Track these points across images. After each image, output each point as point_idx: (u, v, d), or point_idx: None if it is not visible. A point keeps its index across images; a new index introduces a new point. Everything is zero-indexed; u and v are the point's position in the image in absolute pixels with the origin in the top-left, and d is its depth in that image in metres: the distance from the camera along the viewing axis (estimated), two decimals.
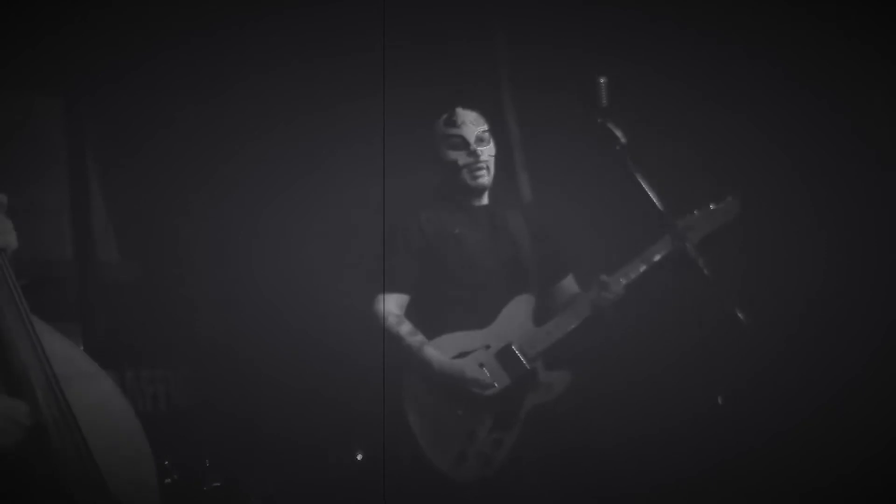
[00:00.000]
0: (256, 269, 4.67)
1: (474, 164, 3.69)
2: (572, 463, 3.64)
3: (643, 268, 3.57)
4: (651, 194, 3.11)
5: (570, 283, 3.80)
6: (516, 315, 3.67)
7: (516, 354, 3.57)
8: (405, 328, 3.60)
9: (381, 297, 3.64)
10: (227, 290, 4.68)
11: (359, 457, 4.24)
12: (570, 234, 3.89)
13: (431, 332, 3.61)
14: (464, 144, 3.69)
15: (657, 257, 3.55)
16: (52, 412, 2.41)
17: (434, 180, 3.81)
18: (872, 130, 4.06)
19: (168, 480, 3.83)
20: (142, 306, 4.53)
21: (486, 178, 3.72)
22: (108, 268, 4.70)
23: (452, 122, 3.71)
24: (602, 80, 3.18)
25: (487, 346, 3.60)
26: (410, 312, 3.66)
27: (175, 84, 4.69)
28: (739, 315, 3.01)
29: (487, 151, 3.71)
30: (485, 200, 3.78)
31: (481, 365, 3.56)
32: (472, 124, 3.70)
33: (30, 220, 2.56)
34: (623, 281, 3.56)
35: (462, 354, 3.58)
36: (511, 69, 4.70)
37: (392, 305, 3.63)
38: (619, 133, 3.17)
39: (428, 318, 3.64)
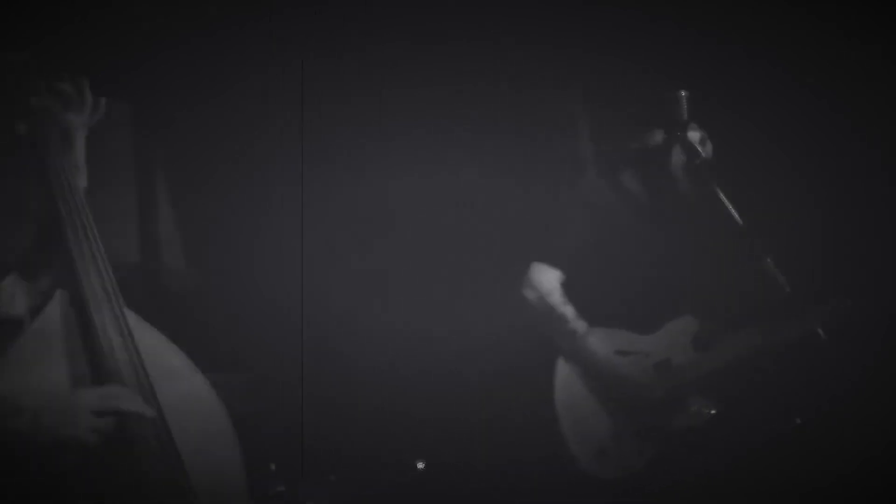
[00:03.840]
0: (319, 275, 4.64)
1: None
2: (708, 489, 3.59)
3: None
4: (731, 208, 3.11)
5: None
6: (679, 333, 3.64)
7: (675, 372, 3.55)
8: (570, 310, 3.55)
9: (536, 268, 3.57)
10: (290, 297, 4.66)
11: (420, 465, 4.18)
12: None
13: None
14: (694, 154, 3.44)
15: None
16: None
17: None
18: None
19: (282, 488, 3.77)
20: (205, 312, 4.53)
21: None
22: (173, 274, 4.71)
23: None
24: (683, 94, 3.18)
25: (647, 354, 3.58)
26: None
27: (247, 92, 4.63)
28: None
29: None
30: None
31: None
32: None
33: (99, 226, 2.54)
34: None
35: (620, 353, 3.56)
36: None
37: (554, 281, 3.58)
38: (699, 147, 3.18)
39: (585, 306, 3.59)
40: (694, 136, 3.35)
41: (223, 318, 4.48)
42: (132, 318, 2.45)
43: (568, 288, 3.60)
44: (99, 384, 2.34)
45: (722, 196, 3.14)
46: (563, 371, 3.53)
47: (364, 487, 4.04)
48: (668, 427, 3.54)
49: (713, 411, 3.60)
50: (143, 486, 2.29)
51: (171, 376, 2.46)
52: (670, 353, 3.58)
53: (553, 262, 3.60)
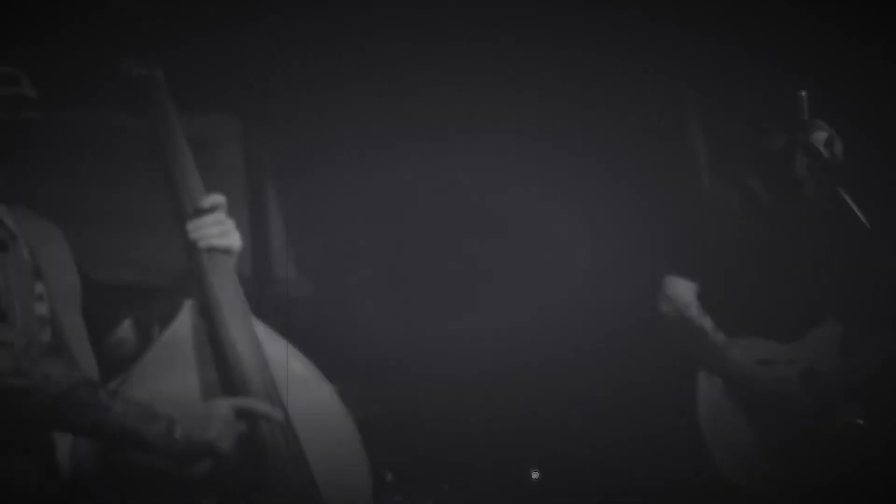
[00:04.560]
0: (428, 283, 4.64)
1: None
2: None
3: None
4: (856, 209, 3.06)
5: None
6: (825, 340, 3.56)
7: (822, 380, 3.47)
8: (708, 322, 3.47)
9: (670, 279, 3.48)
10: (399, 304, 4.65)
11: (534, 475, 4.10)
12: None
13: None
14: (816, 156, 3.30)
15: None
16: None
17: None
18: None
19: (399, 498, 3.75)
20: (315, 321, 4.54)
21: None
22: (283, 284, 4.70)
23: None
24: (804, 94, 3.16)
25: (790, 362, 3.50)
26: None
27: (353, 101, 4.64)
28: None
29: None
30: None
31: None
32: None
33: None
34: None
35: (762, 363, 3.49)
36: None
37: (689, 294, 3.50)
38: (824, 148, 3.17)
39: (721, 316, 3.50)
40: (820, 136, 3.31)
41: (334, 326, 4.47)
42: (258, 328, 2.49)
43: (703, 298, 3.52)
44: (229, 392, 2.37)
45: (846, 197, 3.08)
46: (705, 385, 3.46)
47: (478, 497, 4.02)
48: (815, 436, 3.47)
49: (861, 420, 3.51)
50: (273, 493, 2.32)
51: (299, 385, 2.48)
52: (816, 361, 3.51)
53: (686, 272, 3.52)
